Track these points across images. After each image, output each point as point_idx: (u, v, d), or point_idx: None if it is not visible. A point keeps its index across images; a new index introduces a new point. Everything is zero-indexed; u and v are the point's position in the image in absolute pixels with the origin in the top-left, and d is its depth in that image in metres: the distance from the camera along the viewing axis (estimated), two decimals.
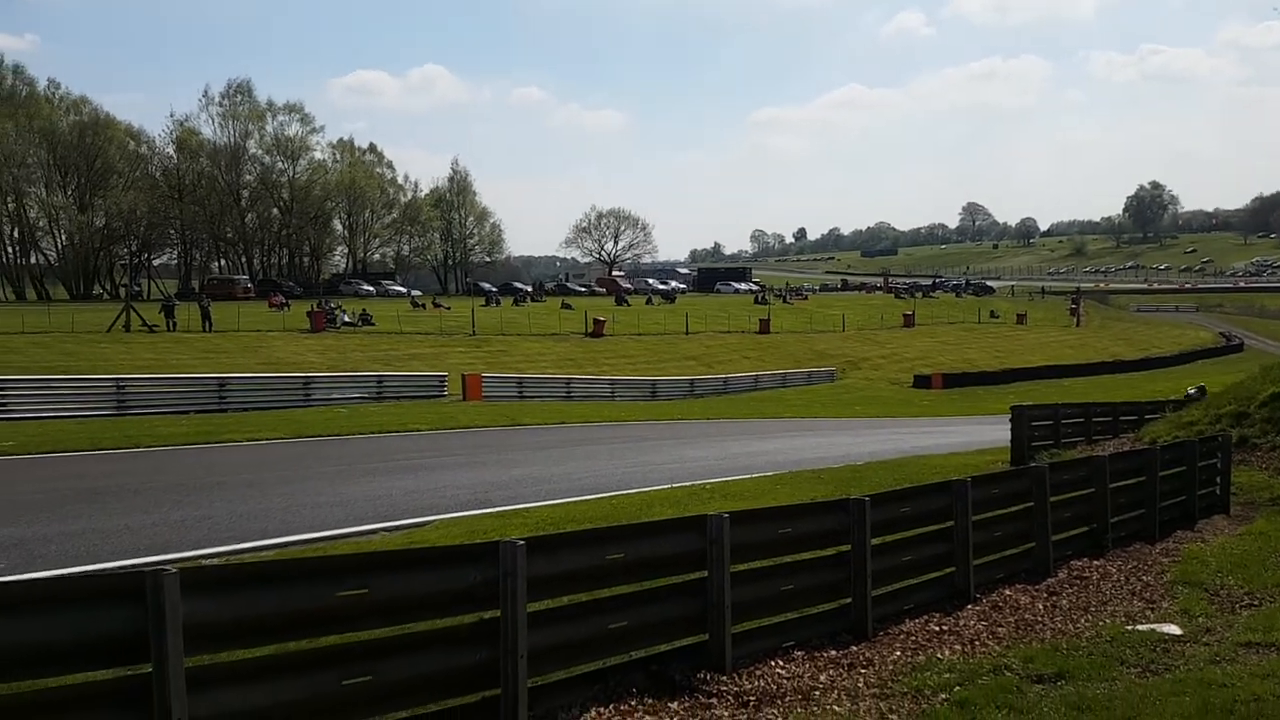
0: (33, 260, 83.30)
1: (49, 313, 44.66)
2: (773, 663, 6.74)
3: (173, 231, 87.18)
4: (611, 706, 5.78)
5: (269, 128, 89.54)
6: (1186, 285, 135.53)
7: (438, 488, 13.30)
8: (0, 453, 16.14)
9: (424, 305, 65.10)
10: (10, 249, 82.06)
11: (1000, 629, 7.95)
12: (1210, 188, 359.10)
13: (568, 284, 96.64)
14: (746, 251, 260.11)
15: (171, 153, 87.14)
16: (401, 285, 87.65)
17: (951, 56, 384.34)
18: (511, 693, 5.33)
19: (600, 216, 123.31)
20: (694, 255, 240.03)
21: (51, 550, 9.07)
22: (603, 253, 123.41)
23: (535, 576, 5.50)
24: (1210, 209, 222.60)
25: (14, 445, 16.88)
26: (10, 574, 8.09)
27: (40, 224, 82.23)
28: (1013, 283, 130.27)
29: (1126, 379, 55.77)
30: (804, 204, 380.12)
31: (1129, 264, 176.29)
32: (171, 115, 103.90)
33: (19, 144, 77.02)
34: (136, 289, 66.76)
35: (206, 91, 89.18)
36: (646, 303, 76.74)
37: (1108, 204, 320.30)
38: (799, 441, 22.17)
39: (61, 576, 7.62)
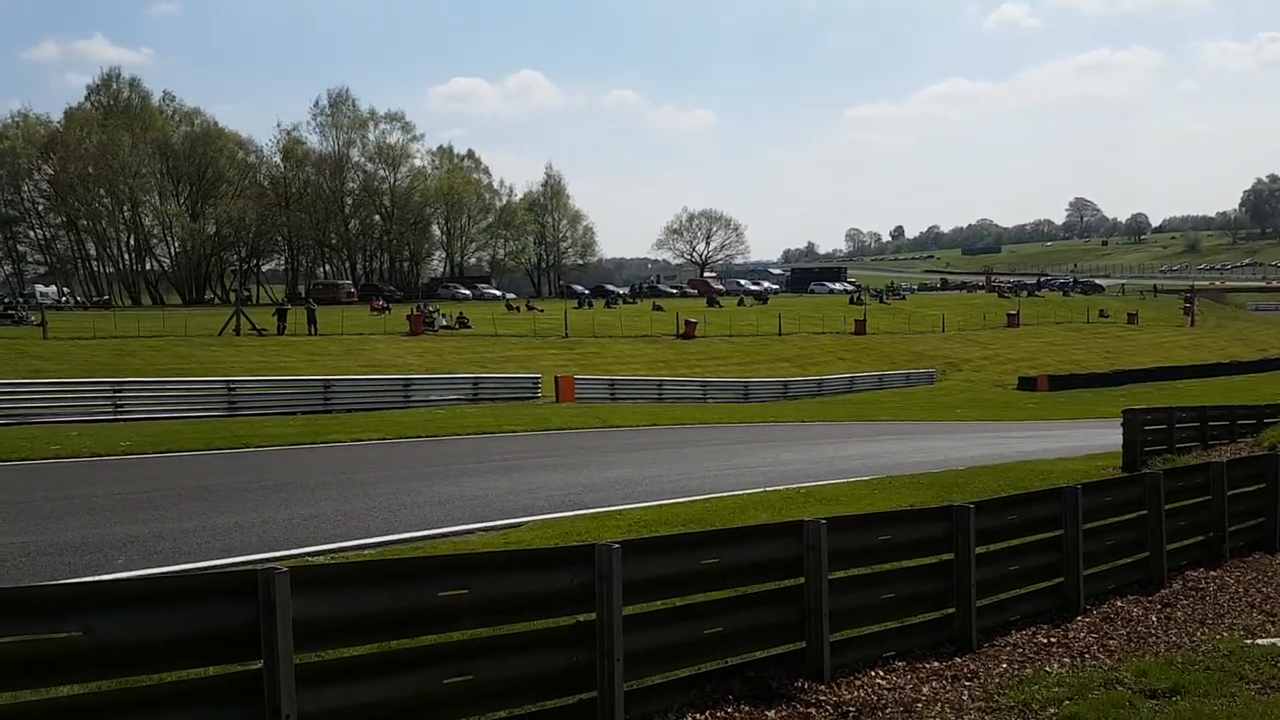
0: (148, 266, 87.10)
1: (163, 317, 46.63)
2: (873, 673, 6.61)
3: (280, 238, 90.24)
4: (708, 713, 5.73)
5: (371, 136, 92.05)
6: None
7: (532, 488, 13.44)
8: (118, 452, 16.88)
9: (518, 308, 66.01)
10: (127, 256, 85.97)
11: (1111, 641, 7.66)
12: None
13: (659, 285, 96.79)
14: (841, 251, 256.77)
15: (278, 161, 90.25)
16: (496, 288, 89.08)
17: (1057, 48, 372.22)
18: (608, 695, 5.33)
19: (692, 218, 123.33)
20: (787, 255, 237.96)
21: (165, 547, 9.43)
22: (694, 254, 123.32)
23: (630, 580, 5.50)
24: None
25: (130, 445, 17.63)
26: (127, 570, 8.44)
27: (155, 231, 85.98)
28: (1123, 281, 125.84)
29: (1244, 381, 53.29)
30: (902, 201, 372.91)
31: (1246, 261, 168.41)
32: (278, 125, 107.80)
33: (134, 155, 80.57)
34: (246, 294, 69.26)
35: (317, 102, 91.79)
36: (738, 303, 76.39)
37: (1223, 199, 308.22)
38: (896, 445, 21.76)
39: (176, 574, 7.93)
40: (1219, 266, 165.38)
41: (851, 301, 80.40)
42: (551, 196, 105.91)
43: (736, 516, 10.88)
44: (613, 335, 52.04)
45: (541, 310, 63.14)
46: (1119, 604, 8.67)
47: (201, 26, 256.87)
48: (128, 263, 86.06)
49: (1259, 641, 7.65)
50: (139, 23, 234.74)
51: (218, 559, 8.91)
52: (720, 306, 71.89)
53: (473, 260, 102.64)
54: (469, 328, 50.48)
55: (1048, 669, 6.91)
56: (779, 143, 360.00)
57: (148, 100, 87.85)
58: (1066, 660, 7.15)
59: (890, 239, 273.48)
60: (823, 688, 6.23)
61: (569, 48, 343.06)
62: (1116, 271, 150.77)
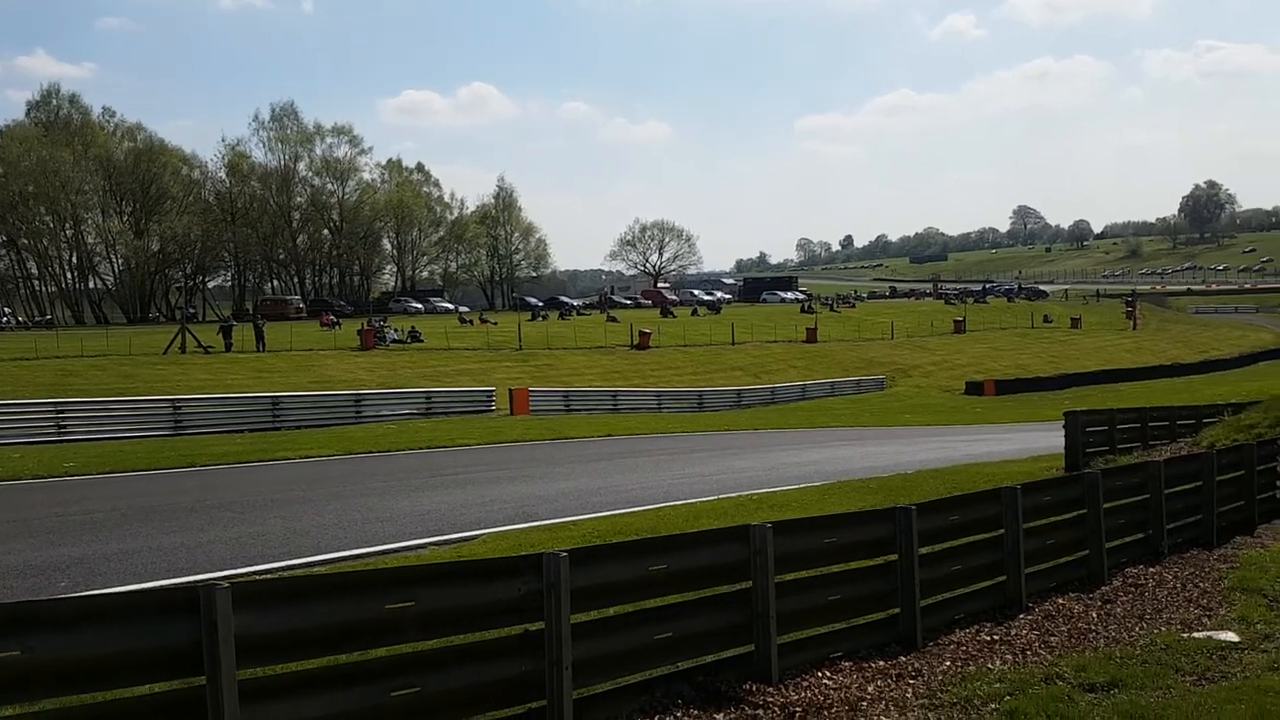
0: (91, 285, 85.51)
1: (107, 336, 45.74)
2: (820, 673, 6.70)
3: (226, 254, 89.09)
4: (657, 718, 5.79)
5: (318, 150, 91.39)
6: (1246, 285, 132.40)
7: (486, 502, 13.41)
8: (61, 473, 16.57)
9: (471, 321, 65.72)
10: (69, 274, 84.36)
11: (1052, 638, 7.84)
12: (1271, 185, 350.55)
13: (613, 296, 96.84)
14: (792, 260, 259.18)
15: (224, 176, 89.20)
16: (449, 302, 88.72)
17: (1003, 58, 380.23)
18: (557, 704, 5.37)
19: (645, 229, 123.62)
20: (739, 265, 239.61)
21: (110, 568, 9.29)
22: (648, 265, 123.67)
23: (579, 588, 5.55)
24: (1269, 207, 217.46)
25: (75, 466, 17.32)
26: (71, 591, 8.31)
27: (98, 249, 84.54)
28: (1066, 286, 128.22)
29: (1185, 383, 54.57)
30: (852, 211, 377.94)
31: (1186, 265, 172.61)
32: (223, 140, 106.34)
33: (76, 171, 79.19)
34: (192, 311, 68.19)
35: (257, 115, 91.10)
36: (692, 314, 76.69)
37: (1163, 205, 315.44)
38: (848, 451, 22.01)
39: (118, 593, 7.81)
40: (1160, 271, 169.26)
41: (803, 310, 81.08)
42: (504, 209, 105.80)
43: (689, 524, 10.94)
44: (567, 347, 52.00)
45: (495, 323, 62.91)
46: (1060, 601, 8.86)
47: (147, 41, 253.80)
48: (70, 281, 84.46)
49: (1195, 635, 7.86)
50: (83, 37, 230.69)
51: (163, 579, 8.80)
52: (674, 317, 72.12)
53: (425, 274, 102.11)
54: (421, 342, 50.13)
55: (990, 666, 7.06)
56: (731, 154, 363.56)
57: (88, 116, 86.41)
58: (1009, 657, 7.30)
59: (840, 248, 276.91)
60: (771, 689, 6.31)
61: (521, 60, 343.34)
62: (1060, 277, 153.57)
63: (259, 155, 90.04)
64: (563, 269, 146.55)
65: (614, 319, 66.38)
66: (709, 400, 42.59)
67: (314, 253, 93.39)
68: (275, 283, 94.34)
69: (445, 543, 10.58)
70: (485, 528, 11.33)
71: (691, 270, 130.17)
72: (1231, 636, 7.75)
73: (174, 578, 8.83)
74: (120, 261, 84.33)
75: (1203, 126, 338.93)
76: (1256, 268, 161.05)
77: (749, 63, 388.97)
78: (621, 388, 42.16)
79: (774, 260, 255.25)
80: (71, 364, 37.00)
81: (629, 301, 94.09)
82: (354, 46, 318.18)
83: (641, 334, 55.32)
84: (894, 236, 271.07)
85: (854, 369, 55.45)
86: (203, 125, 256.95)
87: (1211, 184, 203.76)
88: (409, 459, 19.60)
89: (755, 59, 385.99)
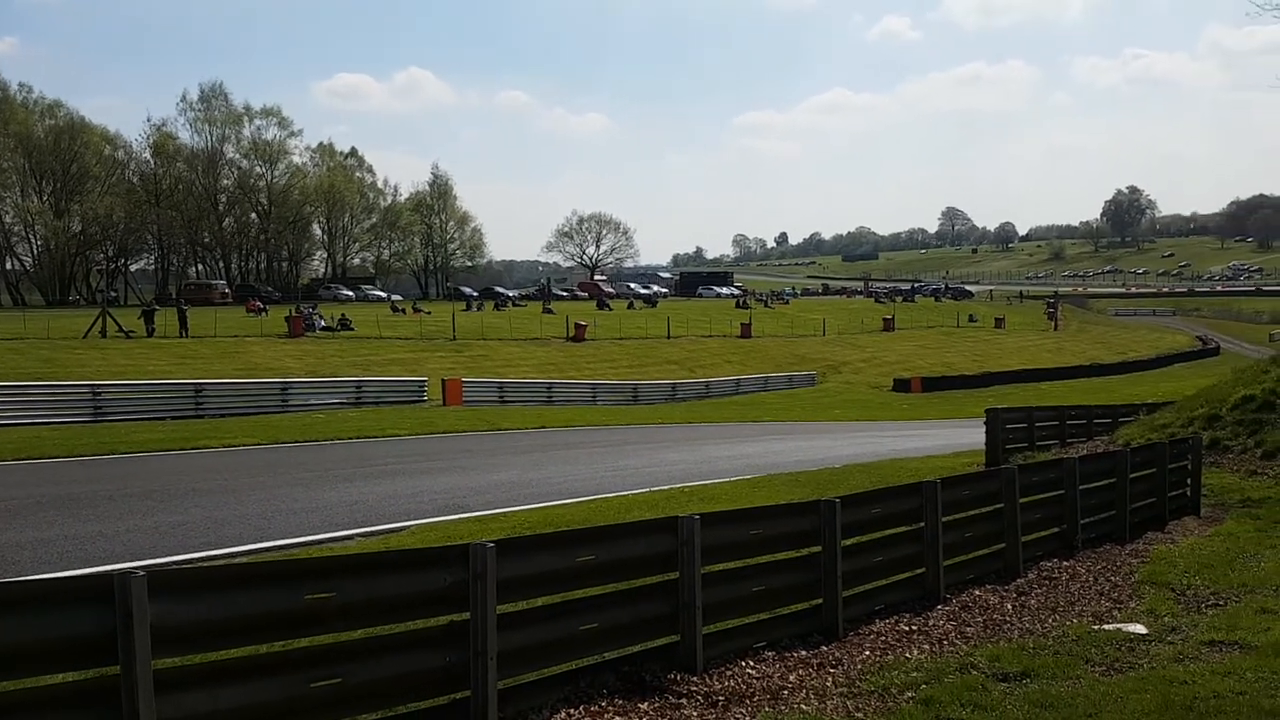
0: (8, 266, 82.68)
1: (25, 319, 44.30)
2: (743, 663, 6.80)
3: (149, 236, 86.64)
4: (582, 708, 5.82)
5: (246, 132, 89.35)
6: (1164, 289, 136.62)
7: (416, 493, 13.31)
8: None
9: (404, 310, 64.95)
10: None
11: (969, 629, 8.05)
12: (1190, 192, 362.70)
13: (554, 290, 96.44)
14: (729, 256, 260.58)
15: (148, 157, 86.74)
16: (381, 290, 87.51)
17: (938, 61, 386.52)
18: (481, 695, 5.37)
19: (582, 221, 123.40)
20: (676, 260, 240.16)
21: (25, 557, 9.04)
22: (584, 257, 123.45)
23: (506, 579, 5.55)
24: (1188, 213, 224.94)
25: None
26: None
27: (16, 230, 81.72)
28: (991, 287, 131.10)
29: (1104, 383, 56.26)
30: (787, 209, 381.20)
31: (1107, 268, 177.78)
32: (149, 119, 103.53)
33: None
34: (113, 295, 66.31)
35: (185, 96, 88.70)
36: (628, 307, 76.82)
37: (1088, 209, 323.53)
38: (779, 445, 22.27)
39: (31, 580, 7.61)
40: (1082, 274, 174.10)
41: (738, 305, 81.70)
42: (439, 197, 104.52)
43: (621, 516, 11.01)
44: (502, 338, 51.72)
45: (429, 312, 62.25)
46: (977, 593, 9.09)
47: (73, 15, 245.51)
48: None
49: (1105, 627, 8.13)
50: (4, 10, 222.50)
51: (79, 568, 8.59)
52: (610, 309, 72.17)
53: (356, 261, 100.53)
54: (352, 330, 49.44)
55: (908, 655, 7.23)
56: (669, 148, 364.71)
57: (6, 92, 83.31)
58: (926, 647, 7.48)
59: (775, 245, 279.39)
60: (695, 679, 6.39)
61: (459, 46, 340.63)
62: (986, 278, 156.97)
63: (185, 136, 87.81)
64: (499, 259, 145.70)
65: (550, 310, 66.17)
66: (644, 393, 42.74)
67: (241, 237, 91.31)
68: (200, 267, 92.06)
69: (373, 534, 10.49)
70: (415, 519, 11.26)
71: (628, 263, 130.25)
72: (1140, 629, 8.03)
73: (89, 566, 8.62)
74: (39, 242, 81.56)
75: (1127, 133, 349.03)
76: (1175, 272, 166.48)
77: (688, 57, 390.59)
78: (556, 380, 42.11)
79: (710, 255, 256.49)
80: None
81: (565, 294, 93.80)
82: (287, 26, 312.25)
83: (577, 326, 55.26)
84: (827, 235, 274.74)
85: (787, 365, 56.07)
86: (128, 104, 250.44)
87: (1133, 189, 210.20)
88: (337, 449, 19.35)
89: (694, 54, 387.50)
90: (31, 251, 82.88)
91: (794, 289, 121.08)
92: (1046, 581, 9.71)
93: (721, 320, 66.45)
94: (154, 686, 4.25)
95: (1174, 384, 41.88)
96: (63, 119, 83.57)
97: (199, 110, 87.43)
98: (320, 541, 10.03)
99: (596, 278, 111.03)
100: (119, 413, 25.34)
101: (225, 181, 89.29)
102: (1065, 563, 10.46)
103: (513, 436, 23.04)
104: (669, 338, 58.92)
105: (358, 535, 10.38)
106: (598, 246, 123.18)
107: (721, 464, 17.59)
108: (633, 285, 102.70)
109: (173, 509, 11.71)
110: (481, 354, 47.15)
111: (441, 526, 10.83)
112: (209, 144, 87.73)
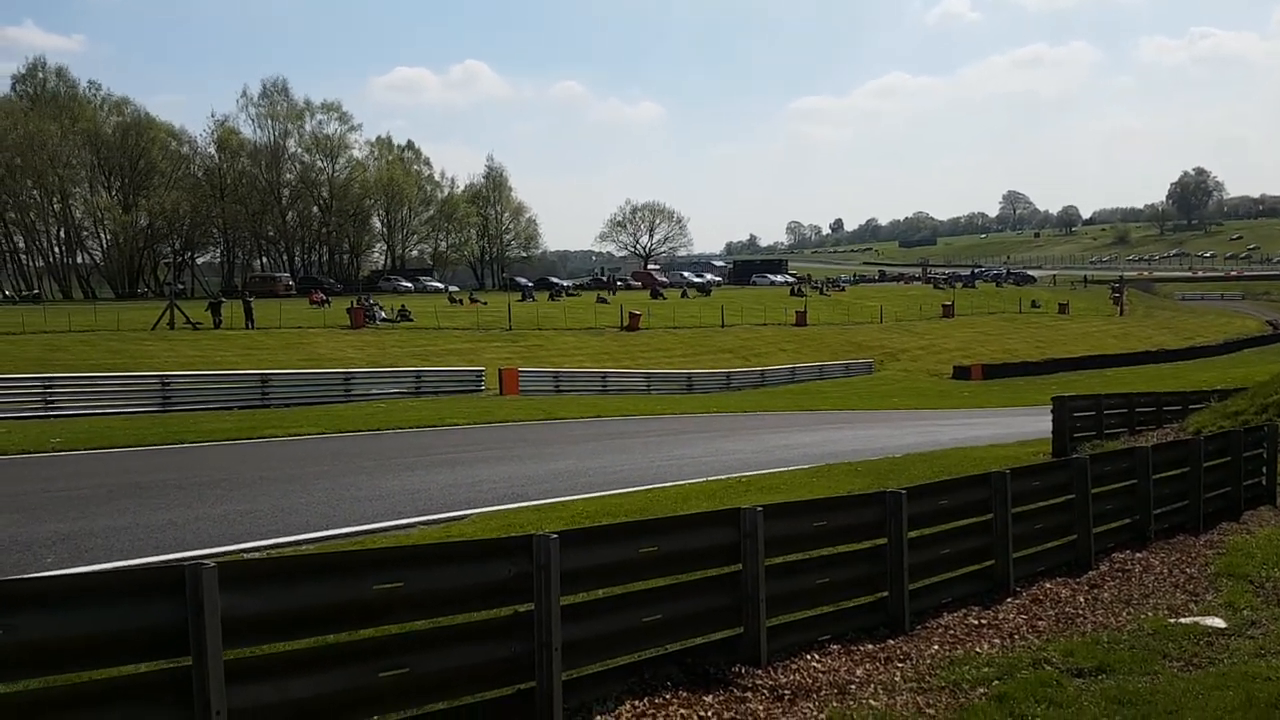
0: (79, 260, 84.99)
1: (95, 311, 45.49)
2: (808, 656, 6.70)
3: (215, 230, 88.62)
4: (646, 700, 5.78)
5: (308, 126, 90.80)
6: (1232, 273, 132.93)
7: (475, 482, 13.38)
8: (48, 449, 16.47)
9: (461, 301, 65.55)
10: (57, 249, 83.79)
11: (1040, 622, 7.86)
12: (1259, 173, 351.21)
13: (602, 278, 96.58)
14: (782, 243, 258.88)
15: (213, 152, 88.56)
16: (439, 281, 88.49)
17: (997, 43, 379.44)
18: (546, 685, 5.35)
19: (635, 210, 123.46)
20: (729, 248, 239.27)
21: (96, 545, 9.23)
22: (638, 246, 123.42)
23: (569, 570, 5.51)
24: (1257, 195, 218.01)
25: (62, 441, 17.21)
26: (57, 568, 8.26)
27: (85, 224, 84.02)
28: (1054, 272, 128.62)
29: (1171, 369, 54.88)
30: (842, 195, 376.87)
31: (1173, 252, 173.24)
32: (212, 115, 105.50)
33: (64, 145, 78.59)
34: (180, 287, 67.79)
35: (245, 91, 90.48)
36: (681, 296, 76.66)
37: (1152, 192, 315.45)
38: (836, 434, 22.04)
39: (104, 571, 7.77)
40: (1147, 257, 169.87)
41: (792, 293, 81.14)
42: (494, 189, 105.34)
43: (679, 506, 10.95)
44: (557, 328, 51.95)
45: (485, 303, 62.74)
46: (1048, 585, 8.88)
47: (137, 13, 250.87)
48: (58, 256, 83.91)
49: (1181, 620, 7.88)
50: (71, 8, 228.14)
51: (150, 556, 8.74)
52: (664, 298, 72.08)
53: (414, 253, 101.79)
54: (411, 321, 50.01)
55: (978, 650, 7.07)
56: (723, 136, 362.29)
57: (75, 89, 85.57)
58: (996, 641, 7.31)
59: (830, 232, 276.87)
60: (759, 672, 6.31)
61: (514, 38, 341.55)
62: (1048, 263, 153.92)
63: (248, 131, 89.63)
64: (553, 250, 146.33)
65: (604, 300, 66.26)
66: (698, 382, 42.61)
67: (303, 230, 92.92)
68: (264, 260, 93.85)
69: (434, 522, 10.55)
70: (474, 508, 11.30)
71: (682, 252, 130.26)
72: (1218, 622, 7.78)
73: (160, 554, 8.77)
74: (108, 236, 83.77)
75: (1193, 113, 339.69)
76: (1243, 255, 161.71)
77: (741, 44, 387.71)
78: (611, 369, 42.14)
79: (764, 243, 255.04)
80: (59, 339, 36.81)
81: (619, 283, 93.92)
82: (347, 22, 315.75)
83: (632, 315, 55.27)
84: (884, 220, 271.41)
85: (842, 352, 55.54)
86: (192, 101, 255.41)
87: (1200, 171, 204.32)
88: (398, 438, 19.55)
89: (748, 40, 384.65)
90: (101, 245, 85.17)
91: (851, 275, 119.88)
92: (1119, 574, 9.46)
93: (776, 308, 66.01)
94: (225, 677, 4.29)
95: (1244, 370, 40.72)
96: (129, 115, 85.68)
97: (261, 106, 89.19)
98: (383, 530, 10.11)
99: (650, 267, 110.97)
100: (187, 403, 25.89)
101: (288, 175, 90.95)
102: (1138, 554, 10.17)
103: (568, 426, 23.10)
104: (723, 326, 58.68)
105: (419, 523, 10.46)
106: (651, 236, 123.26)
107: (778, 453, 17.44)
108: (686, 274, 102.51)
109: (240, 497, 11.90)
110: (537, 344, 47.39)
111: (500, 515, 10.85)
112: (271, 139, 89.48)
